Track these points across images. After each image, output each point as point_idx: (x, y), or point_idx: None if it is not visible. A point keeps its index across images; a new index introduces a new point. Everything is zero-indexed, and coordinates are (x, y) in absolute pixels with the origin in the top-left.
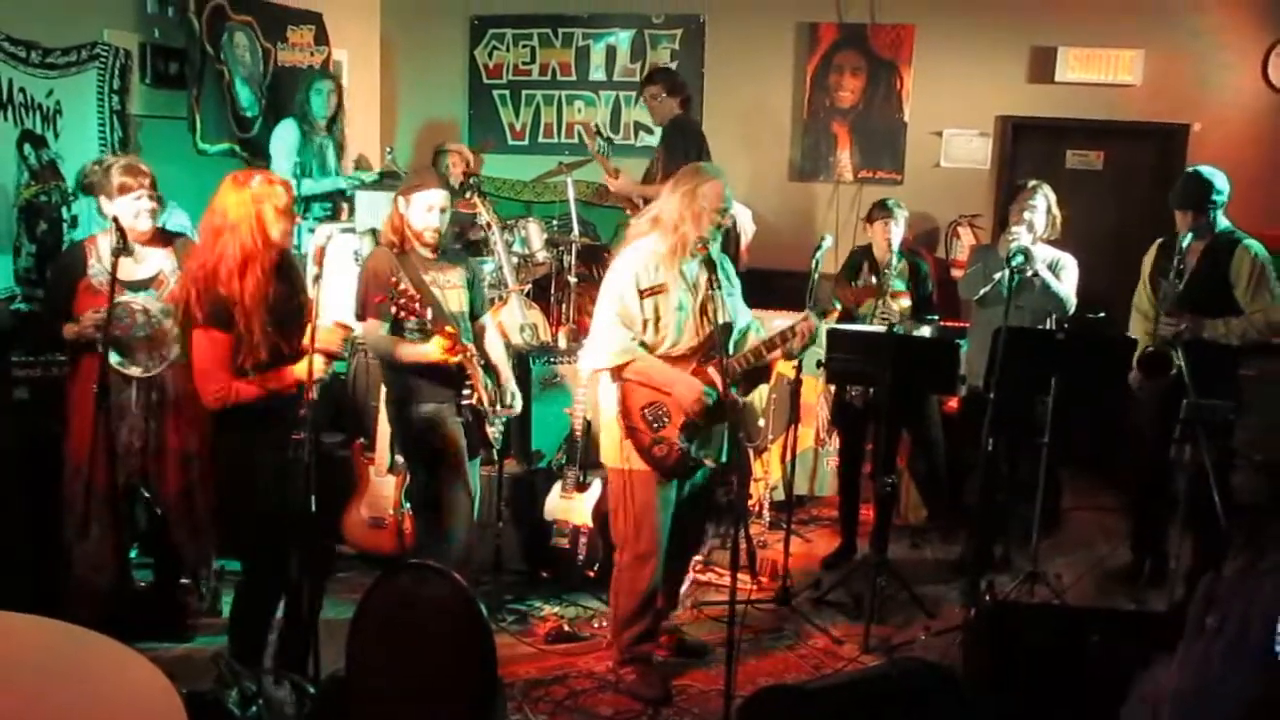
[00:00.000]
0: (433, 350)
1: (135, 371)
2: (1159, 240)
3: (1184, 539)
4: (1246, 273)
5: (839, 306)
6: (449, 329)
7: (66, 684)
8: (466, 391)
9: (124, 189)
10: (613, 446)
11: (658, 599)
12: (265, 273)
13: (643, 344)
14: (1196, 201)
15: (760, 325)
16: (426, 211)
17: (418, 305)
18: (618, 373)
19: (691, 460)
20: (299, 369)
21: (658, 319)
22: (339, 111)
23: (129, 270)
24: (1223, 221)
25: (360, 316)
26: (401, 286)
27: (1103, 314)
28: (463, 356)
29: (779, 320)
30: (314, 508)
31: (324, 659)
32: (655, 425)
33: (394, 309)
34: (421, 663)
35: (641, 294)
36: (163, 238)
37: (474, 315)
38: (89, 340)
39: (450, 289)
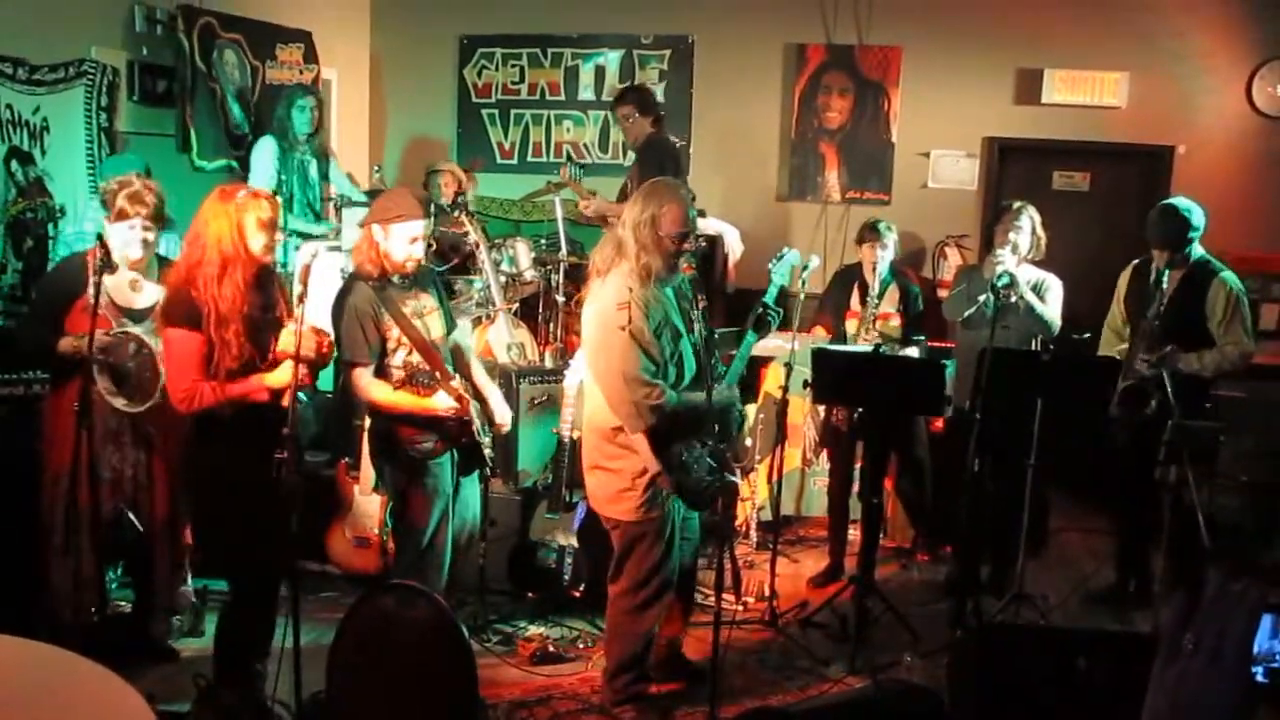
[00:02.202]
0: (440, 405)
1: (119, 403)
2: (1134, 262)
3: (1167, 560)
4: (1222, 305)
5: (783, 279)
6: (454, 383)
7: (42, 705)
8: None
9: (120, 215)
10: (629, 499)
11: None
12: (244, 283)
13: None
14: (1174, 241)
15: None
16: (409, 244)
17: (433, 379)
18: (650, 429)
19: (724, 485)
20: (270, 377)
21: (677, 355)
22: (321, 127)
23: (128, 298)
24: (1198, 250)
25: (347, 362)
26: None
27: (1088, 334)
28: (466, 411)
29: (773, 341)
30: (295, 527)
31: (305, 680)
32: (695, 467)
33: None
34: (402, 683)
35: (656, 334)
36: (161, 270)
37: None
38: (81, 357)
39: (430, 314)
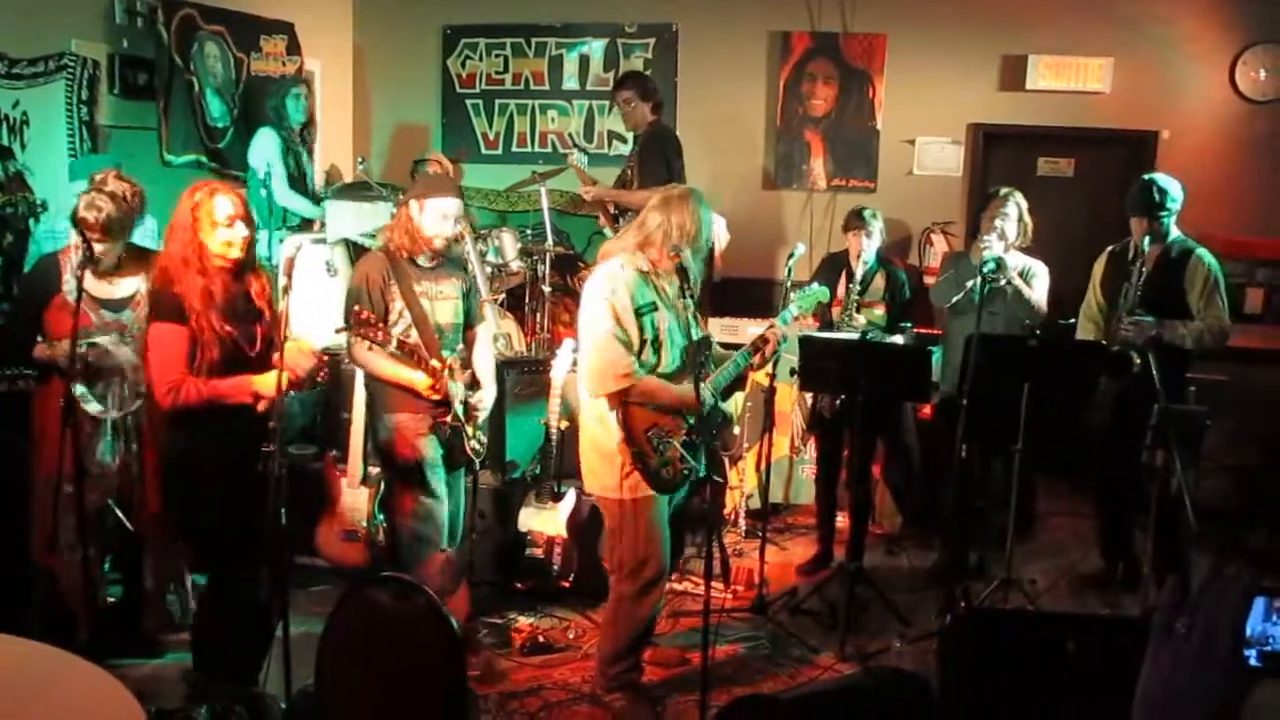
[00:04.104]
0: (418, 382)
1: (94, 409)
2: (1109, 248)
3: (1154, 544)
4: (1200, 280)
5: (801, 309)
6: (435, 363)
7: (31, 702)
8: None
9: (74, 219)
10: (609, 475)
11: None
12: (209, 275)
13: (642, 364)
14: (1150, 208)
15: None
16: (441, 219)
17: (380, 334)
18: (618, 398)
19: (694, 475)
20: (258, 381)
21: (657, 338)
22: (312, 118)
23: (104, 290)
24: (1175, 231)
25: (348, 324)
26: (369, 317)
27: (1073, 320)
28: (443, 393)
29: (753, 328)
30: (283, 520)
31: (295, 673)
32: (660, 447)
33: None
34: (392, 676)
35: (639, 312)
36: (138, 260)
37: (468, 324)
38: (57, 366)
39: (441, 300)
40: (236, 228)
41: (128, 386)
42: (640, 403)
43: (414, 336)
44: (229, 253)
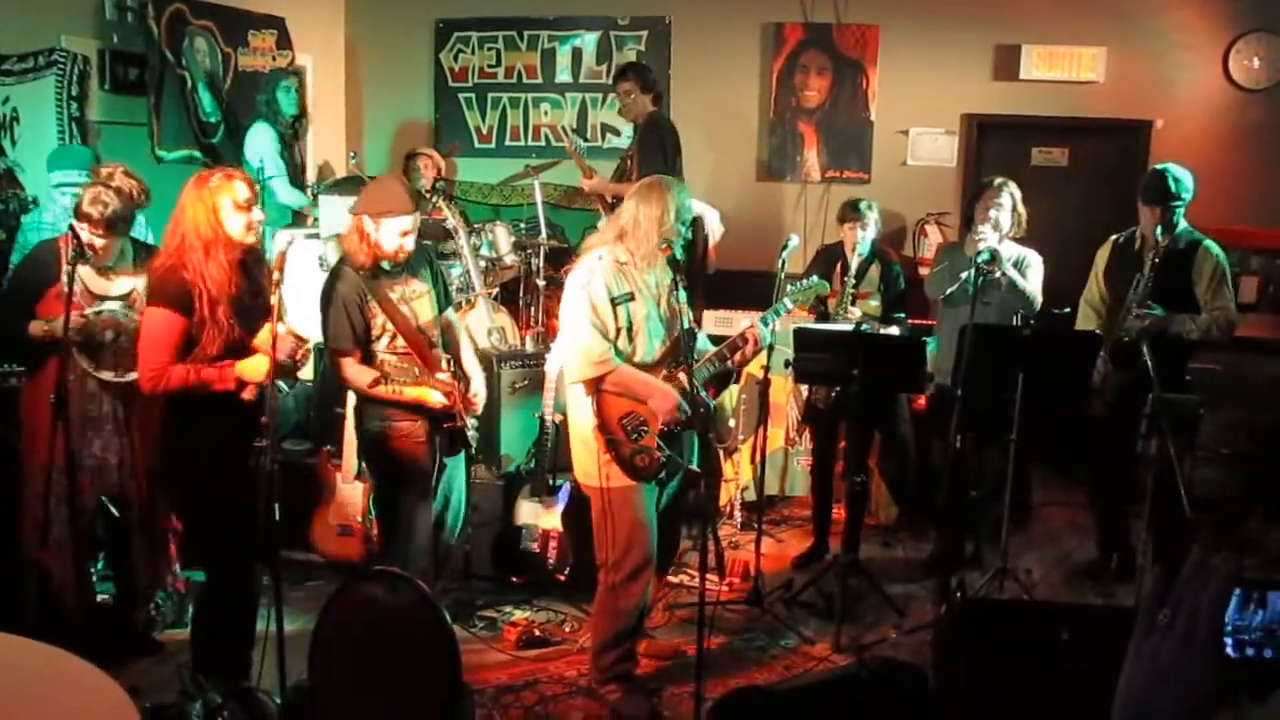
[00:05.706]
0: (433, 399)
1: (106, 375)
2: (1113, 237)
3: (1149, 533)
4: (1208, 272)
5: (796, 303)
6: (442, 376)
7: (21, 700)
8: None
9: (77, 215)
10: (590, 463)
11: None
12: (228, 265)
13: (618, 353)
14: (1164, 197)
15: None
16: (400, 236)
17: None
18: (593, 384)
19: (671, 465)
20: (241, 366)
21: (631, 328)
22: (305, 110)
23: (102, 287)
24: (1183, 223)
25: (333, 350)
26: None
27: (1068, 309)
28: (455, 404)
29: (746, 320)
30: (276, 516)
31: (290, 669)
32: (634, 435)
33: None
34: (386, 670)
35: (614, 302)
36: (145, 259)
37: (440, 311)
38: (55, 340)
39: (418, 299)
40: (254, 211)
41: (124, 359)
42: (615, 391)
43: (401, 345)
44: (248, 238)
